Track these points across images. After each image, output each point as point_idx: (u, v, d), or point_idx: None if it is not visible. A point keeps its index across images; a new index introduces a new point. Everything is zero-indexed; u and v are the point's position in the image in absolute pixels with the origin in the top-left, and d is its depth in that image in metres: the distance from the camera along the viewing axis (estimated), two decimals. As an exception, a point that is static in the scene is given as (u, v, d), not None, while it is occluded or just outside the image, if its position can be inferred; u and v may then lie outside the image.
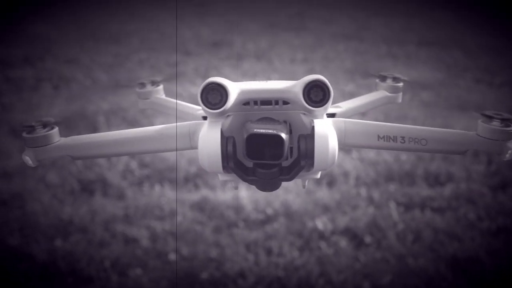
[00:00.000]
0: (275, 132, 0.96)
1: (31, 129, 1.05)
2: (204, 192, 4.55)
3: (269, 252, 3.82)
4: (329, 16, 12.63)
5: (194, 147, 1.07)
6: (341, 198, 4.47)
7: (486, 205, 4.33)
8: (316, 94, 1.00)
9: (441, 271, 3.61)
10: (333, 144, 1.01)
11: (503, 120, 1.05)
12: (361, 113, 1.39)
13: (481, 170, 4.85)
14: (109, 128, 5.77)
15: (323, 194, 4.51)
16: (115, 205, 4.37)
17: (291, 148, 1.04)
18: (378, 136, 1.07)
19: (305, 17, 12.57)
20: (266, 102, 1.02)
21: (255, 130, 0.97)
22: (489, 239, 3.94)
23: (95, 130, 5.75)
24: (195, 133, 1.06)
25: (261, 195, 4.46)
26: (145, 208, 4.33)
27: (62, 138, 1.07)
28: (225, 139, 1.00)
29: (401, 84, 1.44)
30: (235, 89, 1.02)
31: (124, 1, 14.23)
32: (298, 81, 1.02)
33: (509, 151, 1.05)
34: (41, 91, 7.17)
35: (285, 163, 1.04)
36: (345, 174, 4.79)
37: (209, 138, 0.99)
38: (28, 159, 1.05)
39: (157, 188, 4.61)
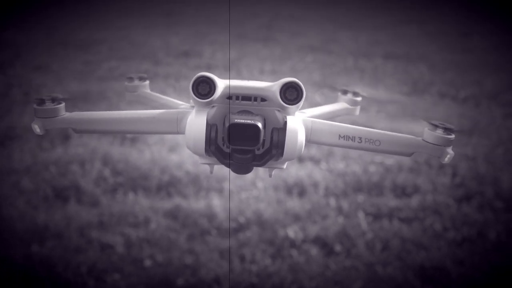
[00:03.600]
0: (253, 122, 1.13)
1: (41, 101, 1.19)
2: (177, 200, 4.63)
3: (242, 259, 3.91)
4: (297, 28, 12.79)
5: (180, 132, 1.22)
6: (311, 207, 4.58)
7: (451, 216, 4.47)
8: (291, 94, 1.17)
9: (409, 279, 3.73)
10: (301, 138, 1.17)
11: (445, 129, 1.22)
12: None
13: (446, 183, 5.00)
14: (80, 136, 5.82)
15: (294, 203, 4.62)
16: (90, 212, 4.43)
17: (263, 140, 1.19)
18: (339, 136, 1.24)
19: (273, 28, 12.72)
20: (246, 98, 1.19)
21: (236, 120, 1.13)
22: (454, 248, 4.08)
23: (66, 136, 5.80)
24: (182, 119, 1.22)
25: (233, 205, 4.56)
26: (119, 215, 4.39)
27: (67, 112, 1.21)
28: (209, 126, 1.16)
29: (360, 98, 1.58)
30: (221, 84, 1.18)
31: (93, 10, 14.24)
32: (276, 82, 1.19)
33: (448, 156, 1.22)
34: (11, 98, 7.18)
35: (257, 152, 1.20)
36: (315, 185, 4.90)
37: (196, 123, 1.15)
38: (37, 127, 1.20)
39: (131, 195, 4.68)
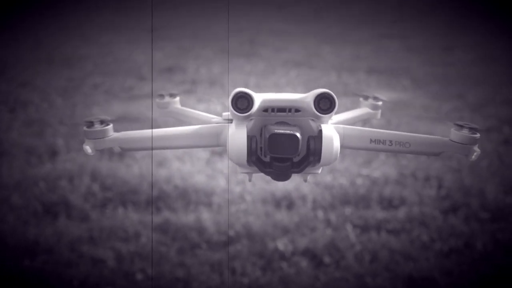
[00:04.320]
0: (292, 132, 1.20)
1: (91, 124, 1.26)
2: (166, 214, 4.66)
3: (233, 272, 3.95)
4: (280, 44, 12.87)
5: (220, 145, 1.30)
6: (299, 220, 4.62)
7: (438, 228, 4.53)
8: (325, 104, 1.24)
9: (398, 290, 3.79)
10: (337, 144, 1.23)
11: (470, 128, 1.30)
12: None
13: (432, 195, 5.06)
14: (68, 152, 5.84)
15: (282, 216, 4.66)
16: (80, 227, 4.45)
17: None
18: (370, 140, 1.30)
19: (256, 44, 12.79)
20: (281, 109, 1.26)
21: (275, 130, 1.20)
22: (442, 259, 4.14)
23: (53, 152, 5.82)
24: (222, 133, 1.30)
25: (222, 218, 4.60)
26: (109, 229, 4.41)
27: (115, 132, 1.28)
28: (250, 138, 1.23)
29: (380, 102, 1.68)
30: (258, 98, 1.24)
31: (77, 25, 14.27)
32: (309, 93, 1.26)
33: (475, 153, 1.30)
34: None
35: (295, 159, 1.26)
36: (303, 198, 4.95)
37: (238, 136, 1.22)
38: (88, 148, 1.26)
39: (120, 210, 4.70)
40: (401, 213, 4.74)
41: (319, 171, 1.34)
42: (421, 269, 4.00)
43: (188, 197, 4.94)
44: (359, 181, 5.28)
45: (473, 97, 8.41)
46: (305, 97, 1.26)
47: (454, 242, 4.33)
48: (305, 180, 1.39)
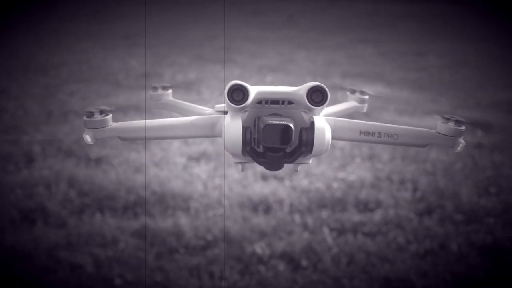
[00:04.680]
0: (286, 123, 1.24)
1: (91, 114, 1.29)
2: (144, 219, 4.68)
3: (211, 275, 3.97)
4: (255, 50, 12.93)
5: (215, 135, 1.35)
6: (277, 224, 4.66)
7: (413, 230, 4.59)
8: (317, 96, 1.28)
9: (375, 291, 3.83)
10: (328, 135, 1.27)
11: (456, 121, 1.35)
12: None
13: (407, 197, 5.12)
14: (45, 159, 5.84)
15: (260, 220, 4.69)
16: (57, 233, 4.45)
17: None
18: (360, 132, 1.35)
19: (231, 50, 12.83)
20: (275, 102, 1.30)
21: (270, 121, 1.25)
22: (418, 261, 4.19)
23: (30, 160, 5.81)
24: (217, 124, 1.34)
25: (200, 222, 4.62)
26: (87, 235, 4.42)
27: (114, 122, 1.32)
28: (244, 128, 1.27)
29: (367, 96, 1.74)
30: (253, 90, 1.29)
31: (52, 33, 14.22)
32: (302, 86, 1.30)
33: (460, 145, 1.34)
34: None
35: (288, 150, 1.30)
36: (280, 202, 4.99)
37: (233, 127, 1.25)
38: (88, 137, 1.29)
39: (98, 216, 4.71)
40: (377, 216, 4.79)
41: (310, 161, 1.36)
42: (397, 271, 4.05)
43: (165, 202, 4.96)
44: (335, 184, 5.33)
45: (446, 101, 8.50)
46: (298, 90, 1.30)
47: (430, 244, 4.39)
48: (296, 170, 1.41)
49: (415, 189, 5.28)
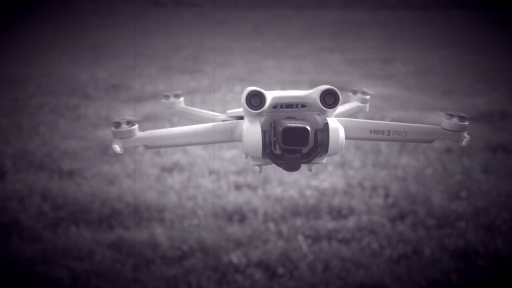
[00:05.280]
0: (303, 125, 1.30)
1: (118, 124, 1.34)
2: (119, 231, 4.69)
3: (189, 285, 4.00)
4: (223, 59, 12.97)
5: (234, 140, 1.40)
6: (252, 233, 4.69)
7: (386, 235, 4.66)
8: (330, 99, 1.34)
9: (351, 297, 3.89)
10: (342, 135, 1.33)
11: (460, 117, 1.41)
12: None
13: (379, 203, 5.19)
14: (17, 172, 5.82)
15: (235, 230, 4.73)
16: (33, 247, 4.45)
17: None
18: (370, 131, 1.41)
19: (199, 60, 12.86)
20: (289, 105, 1.35)
21: (288, 124, 1.30)
22: (392, 265, 4.25)
23: (1, 174, 5.79)
24: (235, 129, 1.40)
25: (175, 233, 4.65)
26: (63, 249, 4.42)
27: (140, 132, 1.36)
28: (263, 132, 1.33)
29: (368, 96, 1.79)
30: (269, 95, 1.34)
31: (19, 45, 14.14)
32: (314, 89, 1.36)
33: (465, 139, 1.41)
34: None
35: (304, 151, 1.36)
36: (254, 211, 5.03)
37: (253, 132, 1.31)
38: (117, 147, 1.34)
39: (73, 229, 4.71)
40: (351, 222, 4.85)
41: (324, 161, 1.42)
42: (372, 276, 4.11)
43: (140, 213, 4.97)
44: (309, 192, 5.38)
45: (414, 107, 8.62)
46: (311, 93, 1.35)
47: (403, 249, 4.46)
48: (310, 170, 1.47)
49: (387, 195, 5.35)
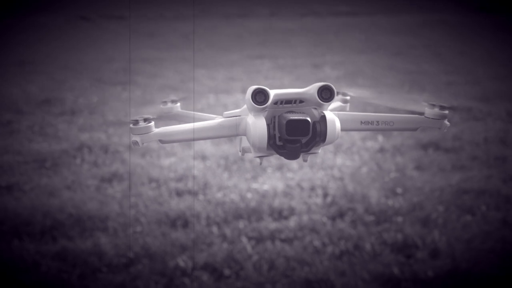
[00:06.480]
0: (304, 117, 1.45)
1: (136, 121, 1.48)
2: (63, 242, 4.68)
3: (137, 291, 4.04)
4: (155, 70, 12.98)
5: (240, 134, 1.55)
6: (196, 237, 4.75)
7: (328, 233, 4.77)
8: (326, 94, 1.48)
9: (298, 293, 3.98)
10: (338, 125, 1.48)
11: (441, 106, 1.55)
12: None
13: (319, 203, 5.31)
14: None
15: (179, 235, 4.78)
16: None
17: None
18: (361, 122, 1.55)
19: (130, 71, 12.83)
20: (288, 101, 1.50)
21: (291, 117, 1.45)
22: (335, 261, 4.37)
23: None
24: (240, 124, 1.53)
25: (120, 241, 4.67)
26: (7, 262, 4.40)
27: (156, 128, 1.50)
28: (267, 125, 1.47)
29: (348, 97, 1.92)
30: (272, 93, 1.48)
31: None
32: (311, 86, 1.51)
33: (445, 126, 1.55)
34: None
35: (303, 141, 1.49)
36: (197, 216, 5.09)
37: (259, 125, 1.46)
38: (138, 141, 1.48)
39: (16, 242, 4.69)
40: (292, 222, 4.96)
41: (319, 151, 1.55)
42: (317, 272, 4.21)
43: (82, 224, 4.98)
44: (249, 195, 5.47)
45: (348, 108, 8.79)
46: (308, 90, 1.50)
47: (344, 245, 4.58)
48: (305, 160, 1.59)
49: (325, 195, 5.47)
